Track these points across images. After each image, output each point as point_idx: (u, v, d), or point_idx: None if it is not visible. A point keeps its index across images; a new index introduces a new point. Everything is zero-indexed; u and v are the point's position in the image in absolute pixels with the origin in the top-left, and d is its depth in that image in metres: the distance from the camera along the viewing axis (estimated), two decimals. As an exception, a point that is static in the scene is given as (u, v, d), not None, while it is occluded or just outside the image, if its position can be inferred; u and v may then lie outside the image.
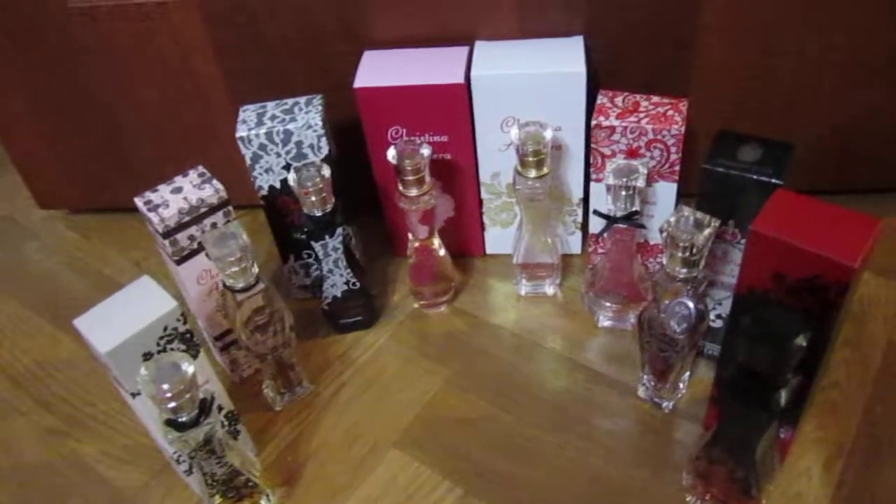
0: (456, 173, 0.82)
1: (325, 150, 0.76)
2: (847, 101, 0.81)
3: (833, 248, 0.51)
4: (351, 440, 0.73)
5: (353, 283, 0.79)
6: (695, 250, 0.60)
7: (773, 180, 0.59)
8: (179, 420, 0.55)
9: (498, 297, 0.86)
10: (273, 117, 0.75)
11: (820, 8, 0.74)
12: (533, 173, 0.73)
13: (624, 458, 0.69)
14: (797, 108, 0.82)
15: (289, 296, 0.86)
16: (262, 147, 0.74)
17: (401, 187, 0.74)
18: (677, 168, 0.72)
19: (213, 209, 0.68)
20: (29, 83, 0.89)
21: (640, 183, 0.68)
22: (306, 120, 0.74)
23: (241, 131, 0.74)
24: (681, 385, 0.72)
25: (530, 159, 0.73)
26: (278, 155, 0.75)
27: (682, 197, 0.74)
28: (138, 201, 0.68)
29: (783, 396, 0.52)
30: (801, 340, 0.49)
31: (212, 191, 0.68)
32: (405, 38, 0.81)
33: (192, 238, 0.68)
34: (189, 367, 0.54)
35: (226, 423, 0.68)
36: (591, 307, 0.81)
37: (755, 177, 0.60)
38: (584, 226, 0.86)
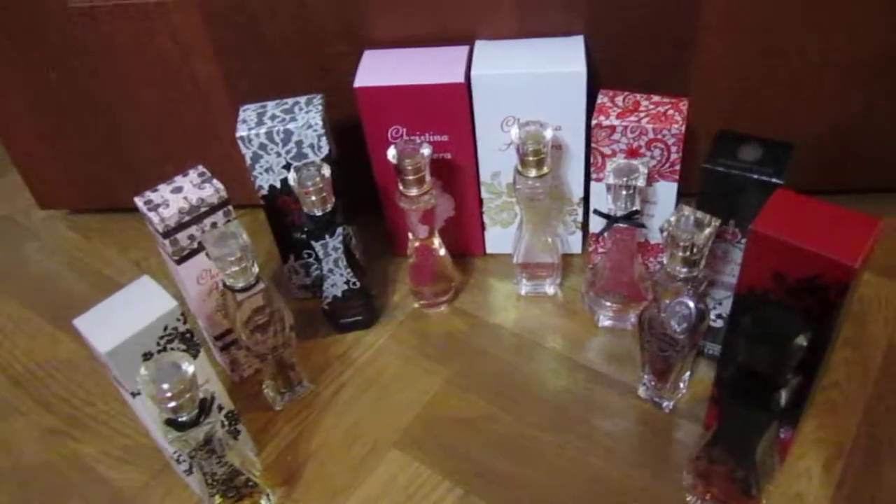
0: (456, 173, 0.82)
1: (325, 150, 0.76)
2: (847, 101, 0.81)
3: (833, 247, 0.51)
4: (351, 440, 0.73)
5: (354, 283, 0.79)
6: (695, 250, 0.60)
7: (774, 180, 0.59)
8: (179, 420, 0.55)
9: (498, 296, 0.86)
10: (273, 117, 0.75)
11: (820, 8, 0.74)
12: (533, 173, 0.73)
13: (624, 457, 0.69)
14: (797, 108, 0.82)
15: (289, 295, 0.86)
16: (263, 147, 0.74)
17: (401, 187, 0.74)
18: (678, 167, 0.72)
19: (213, 209, 0.68)
20: (29, 83, 0.89)
21: (641, 182, 0.68)
22: (306, 119, 0.74)
23: (242, 131, 0.74)
24: (681, 385, 0.72)
25: (530, 159, 0.73)
26: (278, 154, 0.75)
27: (683, 196, 0.74)
28: (138, 201, 0.68)
29: (783, 396, 0.52)
30: (802, 340, 0.49)
31: (212, 190, 0.68)
32: (405, 38, 0.81)
33: (192, 238, 0.68)
34: (189, 367, 0.54)
35: (226, 422, 0.68)
36: (591, 307, 0.81)
37: (755, 176, 0.60)
38: (585, 225, 0.86)
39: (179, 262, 0.69)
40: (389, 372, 0.79)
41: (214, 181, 0.69)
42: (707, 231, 0.59)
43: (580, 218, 0.85)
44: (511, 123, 0.77)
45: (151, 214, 0.66)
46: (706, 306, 0.66)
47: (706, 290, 0.69)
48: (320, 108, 0.75)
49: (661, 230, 0.60)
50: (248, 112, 0.76)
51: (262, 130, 0.73)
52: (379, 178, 0.83)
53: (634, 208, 0.70)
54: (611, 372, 0.76)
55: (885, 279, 0.80)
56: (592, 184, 0.76)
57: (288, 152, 0.75)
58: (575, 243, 0.88)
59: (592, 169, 0.75)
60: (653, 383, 0.72)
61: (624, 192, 0.69)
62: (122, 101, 0.89)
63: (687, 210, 0.61)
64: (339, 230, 0.75)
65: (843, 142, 0.84)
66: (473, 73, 0.76)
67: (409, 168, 0.72)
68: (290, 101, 0.77)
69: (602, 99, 0.74)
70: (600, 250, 0.79)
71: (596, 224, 0.76)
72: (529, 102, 0.76)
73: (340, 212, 0.74)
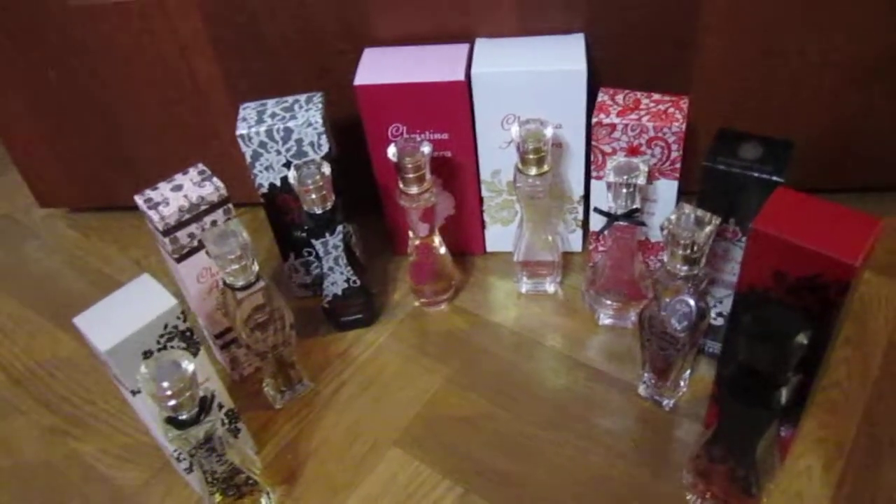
0: (456, 171, 0.82)
1: (325, 148, 0.76)
2: (847, 100, 0.81)
3: (834, 246, 0.51)
4: (351, 438, 0.73)
5: (354, 281, 0.79)
6: (696, 248, 0.60)
7: (774, 178, 0.59)
8: (179, 418, 0.55)
9: (498, 295, 0.86)
10: (273, 115, 0.75)
11: (820, 8, 0.74)
12: (533, 171, 0.73)
13: (624, 456, 0.69)
14: (797, 107, 0.82)
15: (289, 294, 0.86)
16: (263, 145, 0.74)
17: (401, 185, 0.74)
18: (678, 166, 0.72)
19: (213, 207, 0.68)
20: (29, 83, 0.89)
21: (641, 180, 0.68)
22: (307, 117, 0.74)
23: (242, 129, 0.74)
24: (681, 383, 0.72)
25: (531, 157, 0.73)
26: (278, 153, 0.75)
27: (683, 194, 0.73)
28: (138, 199, 0.68)
29: (784, 395, 0.52)
30: (802, 339, 0.49)
31: (212, 188, 0.68)
32: (406, 36, 0.81)
33: (192, 236, 0.68)
34: (189, 366, 0.54)
35: (226, 421, 0.68)
36: (591, 305, 0.81)
37: (756, 174, 0.60)
38: (585, 223, 0.86)
39: (179, 260, 0.69)
40: (389, 370, 0.79)
41: (214, 179, 0.69)
42: (707, 229, 0.59)
43: (580, 216, 0.85)
44: (511, 121, 0.77)
45: (151, 213, 0.66)
46: (706, 305, 0.66)
47: (706, 288, 0.69)
48: (320, 105, 0.75)
49: (662, 228, 0.60)
50: (248, 110, 0.76)
51: (262, 128, 0.73)
52: (379, 177, 0.83)
53: (635, 206, 0.70)
54: (611, 370, 0.76)
55: (885, 278, 0.80)
56: (593, 182, 0.76)
57: (288, 150, 0.75)
58: (575, 241, 0.88)
59: (593, 167, 0.75)
60: (653, 382, 0.72)
61: (624, 191, 0.69)
62: (122, 100, 0.89)
63: (687, 208, 0.61)
64: (340, 228, 0.75)
65: (844, 141, 0.84)
66: (474, 71, 0.76)
67: (410, 166, 0.72)
68: (290, 98, 0.77)
69: (602, 97, 0.74)
70: (601, 248, 0.79)
71: (596, 222, 0.76)
72: (530, 100, 0.76)
73: (340, 210, 0.74)
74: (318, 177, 0.71)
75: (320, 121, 0.74)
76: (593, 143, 0.73)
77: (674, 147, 0.71)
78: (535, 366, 0.77)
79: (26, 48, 0.85)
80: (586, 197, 0.83)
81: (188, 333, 0.60)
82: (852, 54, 0.77)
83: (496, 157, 0.81)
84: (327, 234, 0.75)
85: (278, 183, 0.77)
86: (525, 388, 0.75)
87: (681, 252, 0.60)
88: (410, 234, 0.80)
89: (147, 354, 0.58)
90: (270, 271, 0.90)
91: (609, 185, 0.69)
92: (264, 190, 0.77)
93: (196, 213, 0.67)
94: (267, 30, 0.82)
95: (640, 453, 0.69)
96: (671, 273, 0.62)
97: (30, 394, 0.81)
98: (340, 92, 0.79)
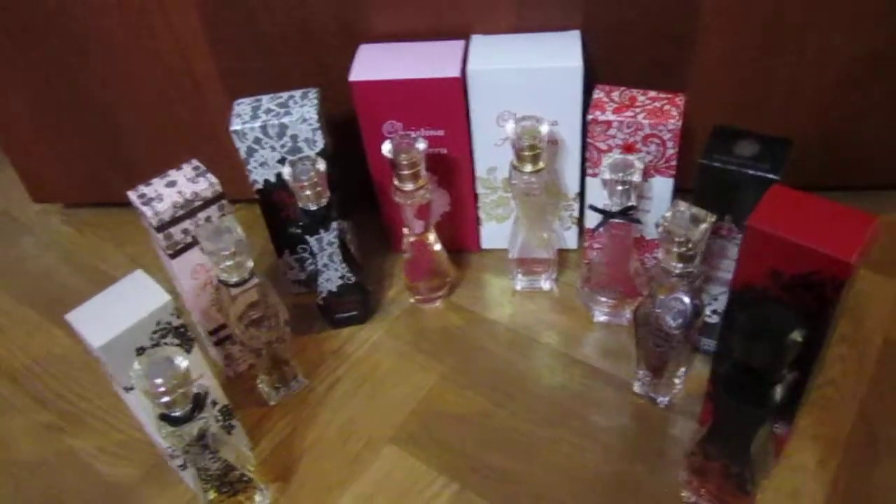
0: (452, 168, 0.82)
1: (320, 144, 0.75)
2: (846, 100, 0.81)
3: (829, 244, 0.51)
4: (346, 435, 0.73)
5: (349, 278, 0.79)
6: (691, 245, 0.60)
7: (770, 176, 0.59)
8: (173, 415, 0.55)
9: (494, 292, 0.86)
10: (268, 111, 0.74)
11: (820, 8, 0.74)
12: (529, 168, 0.73)
13: (619, 453, 0.69)
14: (796, 106, 0.82)
15: (284, 290, 0.86)
16: (257, 141, 0.74)
17: (396, 182, 0.74)
18: (674, 163, 0.72)
19: (207, 203, 0.68)
20: (28, 82, 0.89)
21: (637, 178, 0.68)
22: (301, 114, 0.73)
23: (236, 125, 0.73)
24: (676, 381, 0.72)
25: (526, 154, 0.72)
26: (273, 149, 0.75)
27: (679, 192, 0.73)
28: (132, 195, 0.67)
29: (779, 393, 0.52)
30: (797, 336, 0.49)
31: (206, 184, 0.68)
32: (401, 33, 0.80)
33: (186, 232, 0.68)
34: (183, 362, 0.54)
35: (220, 417, 0.68)
36: (586, 302, 0.81)
37: (752, 172, 0.60)
38: (580, 221, 0.86)
39: (173, 256, 0.69)
40: (384, 367, 0.79)
41: (208, 175, 0.69)
42: (703, 227, 0.59)
43: (576, 213, 0.85)
44: (507, 118, 0.77)
45: (145, 208, 0.66)
46: (702, 302, 0.66)
47: (702, 285, 0.69)
48: (315, 101, 0.75)
49: (657, 226, 0.60)
50: (242, 106, 0.75)
51: (257, 124, 0.73)
52: (374, 173, 0.83)
53: (630, 204, 0.70)
54: (606, 367, 0.76)
55: (880, 276, 0.80)
56: (588, 179, 0.76)
57: (283, 146, 0.75)
58: (570, 239, 0.88)
59: (588, 164, 0.75)
60: (648, 379, 0.72)
61: (620, 188, 0.69)
62: (120, 98, 0.89)
63: (683, 206, 0.60)
64: (334, 225, 0.74)
65: (841, 139, 0.84)
66: (469, 67, 0.75)
67: (405, 163, 0.72)
68: (285, 94, 0.76)
69: (598, 94, 0.74)
70: (596, 246, 0.79)
71: (591, 219, 0.76)
72: (525, 97, 0.76)
73: (335, 206, 0.74)
74: (312, 173, 0.70)
75: (315, 117, 0.73)
76: (589, 140, 0.73)
77: (669, 144, 0.71)
78: (530, 363, 0.77)
79: (26, 48, 0.85)
80: (581, 194, 0.82)
81: (182, 330, 0.60)
82: (852, 54, 0.77)
83: (492, 154, 0.81)
84: (322, 231, 0.74)
85: (273, 179, 0.77)
86: (520, 385, 0.75)
87: (676, 249, 0.60)
88: (405, 230, 0.79)
89: (140, 351, 0.57)
90: (265, 268, 0.90)
91: (604, 183, 0.69)
92: (259, 186, 0.77)
93: (190, 209, 0.67)
94: (264, 27, 0.81)
95: (636, 450, 0.69)
96: (666, 270, 0.62)
97: (25, 390, 0.81)
98: (337, 88, 0.79)
